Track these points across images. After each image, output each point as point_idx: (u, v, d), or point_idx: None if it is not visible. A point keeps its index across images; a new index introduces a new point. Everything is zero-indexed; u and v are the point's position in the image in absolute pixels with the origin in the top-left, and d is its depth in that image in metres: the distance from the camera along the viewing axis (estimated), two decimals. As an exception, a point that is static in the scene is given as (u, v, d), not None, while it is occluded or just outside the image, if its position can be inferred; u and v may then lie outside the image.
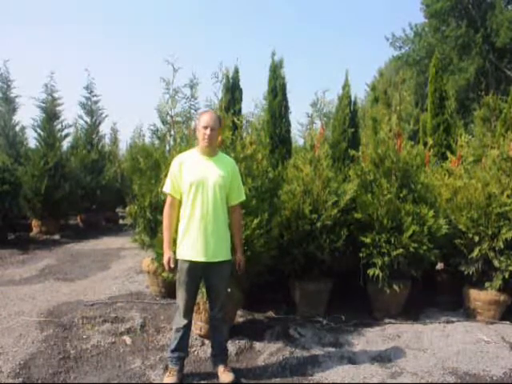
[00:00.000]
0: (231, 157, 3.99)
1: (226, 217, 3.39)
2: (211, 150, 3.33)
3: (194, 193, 3.23)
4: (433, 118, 9.54)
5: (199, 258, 3.23)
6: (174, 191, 3.32)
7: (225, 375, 3.37)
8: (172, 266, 3.28)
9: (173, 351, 3.37)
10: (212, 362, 3.56)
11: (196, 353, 3.86)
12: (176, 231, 3.37)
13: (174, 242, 3.38)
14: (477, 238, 4.78)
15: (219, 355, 3.48)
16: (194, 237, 3.23)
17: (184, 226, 3.28)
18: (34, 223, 10.47)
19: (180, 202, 3.34)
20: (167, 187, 3.35)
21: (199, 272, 3.30)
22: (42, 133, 10.74)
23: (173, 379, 3.30)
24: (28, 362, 3.61)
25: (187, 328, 3.39)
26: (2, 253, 8.14)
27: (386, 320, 4.68)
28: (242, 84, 6.97)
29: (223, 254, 3.32)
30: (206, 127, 3.24)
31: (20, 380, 3.32)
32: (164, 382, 3.31)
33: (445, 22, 26.56)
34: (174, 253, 3.32)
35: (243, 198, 3.54)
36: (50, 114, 10.78)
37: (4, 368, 3.49)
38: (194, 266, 3.25)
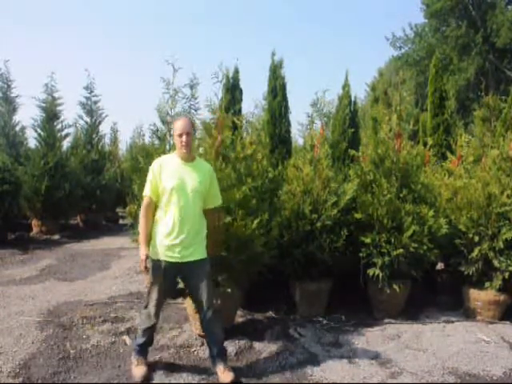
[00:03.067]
0: (230, 157, 4.01)
1: (202, 220, 3.47)
2: (189, 156, 3.41)
3: (173, 197, 3.30)
4: (433, 118, 9.55)
5: (175, 258, 3.31)
6: (153, 193, 3.37)
7: (225, 375, 3.36)
8: (148, 265, 3.31)
9: (141, 345, 3.48)
10: (211, 362, 3.55)
11: (196, 353, 3.86)
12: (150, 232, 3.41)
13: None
14: (477, 238, 4.78)
15: (218, 355, 3.47)
16: (172, 238, 3.29)
17: (162, 227, 3.33)
18: (34, 223, 10.48)
19: (155, 204, 3.39)
20: (147, 190, 3.39)
21: (175, 272, 3.39)
22: (42, 133, 10.75)
23: (144, 369, 3.40)
24: (28, 361, 3.61)
25: (155, 327, 3.53)
26: (2, 253, 8.14)
27: (386, 320, 4.68)
28: (242, 84, 6.98)
29: (199, 253, 3.39)
30: (181, 134, 3.32)
31: (20, 380, 3.32)
32: (137, 373, 3.37)
33: (445, 22, 26.59)
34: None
35: (219, 202, 3.62)
36: (50, 114, 10.79)
37: (4, 368, 3.49)
38: (169, 266, 3.32)
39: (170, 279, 3.43)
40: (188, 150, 3.36)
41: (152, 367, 3.52)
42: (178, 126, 3.35)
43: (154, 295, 3.37)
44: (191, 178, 3.36)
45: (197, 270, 3.40)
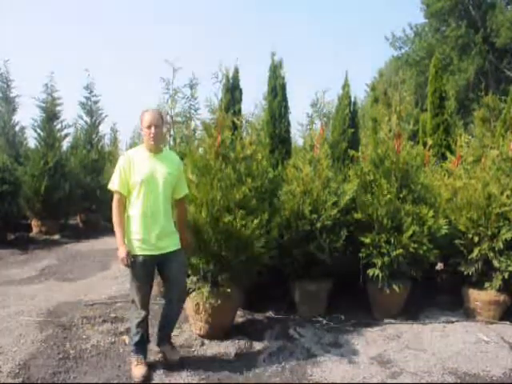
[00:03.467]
0: (230, 157, 4.01)
1: (172, 211, 3.57)
2: (157, 148, 3.46)
3: (144, 189, 3.34)
4: (432, 119, 9.56)
5: (153, 251, 3.37)
6: (123, 188, 3.37)
7: (172, 353, 3.60)
8: (129, 261, 3.33)
9: (137, 343, 3.50)
10: (157, 339, 3.67)
11: (196, 352, 3.86)
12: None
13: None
14: (476, 239, 4.78)
15: (166, 335, 3.66)
16: (147, 232, 3.35)
17: (135, 222, 3.37)
18: (34, 223, 10.47)
19: (125, 199, 3.41)
20: (115, 184, 3.38)
21: (153, 265, 3.44)
22: (41, 133, 10.74)
23: (144, 368, 3.42)
24: (28, 361, 3.61)
25: (147, 319, 3.55)
26: (3, 253, 8.14)
27: (386, 320, 4.68)
28: (242, 84, 6.97)
29: (174, 244, 3.50)
30: (149, 126, 3.36)
31: (20, 380, 3.32)
32: (137, 372, 3.39)
33: (445, 22, 26.59)
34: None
35: (187, 191, 3.71)
36: (50, 114, 10.78)
37: (4, 368, 3.49)
38: (148, 260, 3.37)
39: (150, 271, 3.47)
40: (156, 141, 3.40)
41: (152, 367, 3.53)
42: (147, 118, 3.39)
43: (138, 289, 3.43)
44: (161, 170, 3.41)
45: (172, 261, 3.47)
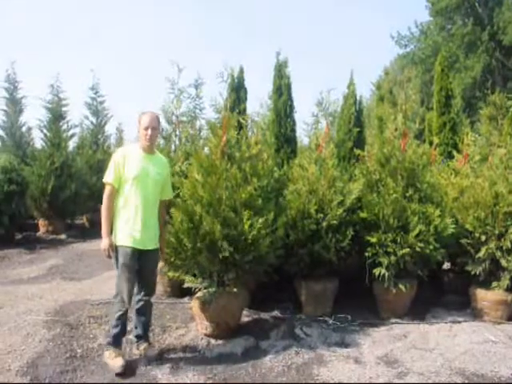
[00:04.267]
0: (236, 156, 4.04)
1: (157, 210, 3.74)
2: (151, 148, 3.66)
3: (136, 185, 3.51)
4: (439, 117, 9.50)
5: (139, 245, 3.52)
6: (116, 181, 3.52)
7: (151, 351, 3.74)
8: (112, 252, 3.49)
9: (116, 336, 3.57)
10: (136, 342, 3.78)
11: (202, 352, 3.87)
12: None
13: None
14: (484, 238, 4.75)
15: (143, 336, 3.79)
16: (135, 226, 3.51)
17: (125, 214, 3.53)
18: (41, 223, 10.54)
19: (116, 192, 3.55)
20: (110, 177, 3.52)
21: (137, 257, 3.55)
22: (48, 133, 10.81)
23: (122, 360, 3.49)
24: (35, 360, 3.64)
25: (127, 313, 3.62)
26: (10, 252, 8.20)
27: (393, 320, 4.66)
28: (247, 84, 6.98)
29: (155, 242, 3.70)
30: (147, 128, 3.55)
31: (28, 378, 3.34)
32: (115, 364, 3.44)
33: (451, 20, 26.44)
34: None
35: (171, 195, 3.93)
36: (56, 115, 10.84)
37: (12, 366, 3.52)
38: (134, 252, 3.51)
39: (135, 264, 3.56)
40: (152, 142, 3.61)
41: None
42: (146, 119, 3.57)
43: (125, 281, 3.51)
44: (152, 169, 3.60)
45: (150, 259, 3.66)
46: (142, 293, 3.73)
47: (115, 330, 3.56)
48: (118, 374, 3.39)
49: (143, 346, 3.74)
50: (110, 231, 3.55)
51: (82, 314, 4.70)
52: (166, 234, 3.94)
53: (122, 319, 3.58)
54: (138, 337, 3.79)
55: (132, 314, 3.83)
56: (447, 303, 5.21)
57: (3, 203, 9.06)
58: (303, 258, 4.66)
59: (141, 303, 3.74)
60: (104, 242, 3.48)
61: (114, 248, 3.50)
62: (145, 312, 3.78)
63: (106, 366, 3.57)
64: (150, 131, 3.55)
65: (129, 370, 3.47)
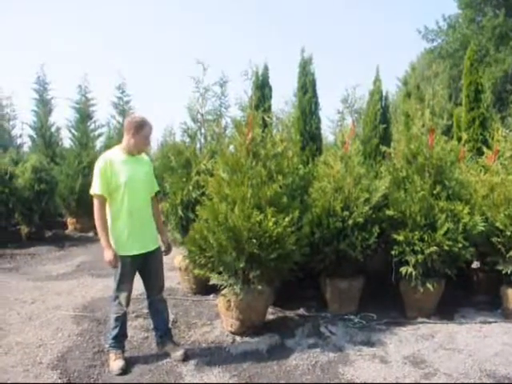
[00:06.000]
0: (261, 154, 4.04)
1: (151, 209, 3.74)
2: (140, 153, 3.69)
3: (127, 190, 3.47)
4: (468, 112, 9.26)
5: (141, 250, 3.54)
6: (104, 191, 3.44)
7: (176, 352, 3.69)
8: (116, 263, 3.44)
9: (115, 337, 3.59)
10: (160, 343, 3.81)
11: (227, 349, 3.88)
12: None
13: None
14: (515, 236, 4.62)
15: (166, 335, 3.80)
16: (133, 232, 3.50)
17: (120, 224, 3.48)
18: (69, 221, 10.78)
19: (105, 201, 3.48)
20: (98, 189, 3.43)
21: (139, 262, 3.58)
22: (76, 133, 11.04)
23: (122, 362, 3.53)
24: (65, 354, 3.74)
25: (126, 315, 3.68)
26: (40, 249, 8.44)
27: (419, 319, 4.58)
28: (271, 81, 6.96)
29: (155, 242, 3.71)
30: (147, 137, 3.62)
31: (58, 371, 3.44)
32: (114, 366, 3.49)
33: (481, 12, 25.71)
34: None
35: (157, 188, 3.91)
36: (84, 115, 11.05)
37: (43, 359, 3.64)
38: (135, 259, 3.53)
39: (135, 269, 3.61)
40: (144, 151, 3.73)
41: (183, 362, 3.61)
42: (148, 130, 3.60)
43: (124, 288, 3.56)
44: (139, 170, 3.60)
45: (154, 259, 3.68)
46: (153, 293, 3.76)
47: (114, 332, 3.59)
48: (117, 375, 3.44)
49: (169, 345, 3.76)
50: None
51: (109, 310, 4.78)
52: (165, 231, 4.01)
53: (121, 320, 3.60)
54: (161, 337, 3.81)
55: (149, 317, 3.91)
56: (477, 303, 5.09)
57: (34, 202, 9.33)
58: (328, 256, 4.63)
59: (155, 303, 3.77)
60: (107, 254, 3.41)
61: (118, 258, 3.44)
62: (162, 310, 3.81)
63: (132, 362, 3.63)
64: (148, 141, 3.67)
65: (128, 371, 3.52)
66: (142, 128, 3.55)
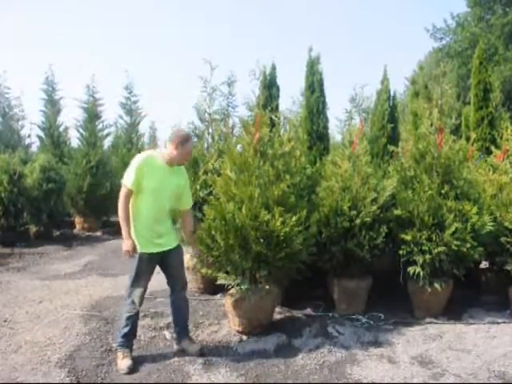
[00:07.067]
0: (268, 153, 4.04)
1: (171, 214, 3.80)
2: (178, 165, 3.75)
3: (154, 195, 3.54)
4: (476, 112, 9.21)
5: (157, 248, 3.60)
6: (134, 186, 3.50)
7: (192, 346, 3.76)
8: (134, 253, 3.51)
9: (124, 336, 3.62)
10: (177, 338, 3.88)
11: (235, 349, 3.89)
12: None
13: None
14: (524, 236, 4.58)
15: (183, 331, 3.86)
16: (153, 233, 3.57)
17: (142, 222, 3.56)
18: (77, 220, 10.84)
19: (132, 195, 3.55)
20: (129, 181, 3.49)
21: (156, 261, 3.65)
22: (84, 133, 11.10)
23: (130, 361, 3.55)
24: (73, 353, 3.76)
25: (138, 314, 3.72)
26: (48, 249, 8.49)
27: (427, 319, 4.55)
28: (279, 81, 6.95)
29: (174, 241, 3.76)
30: (188, 152, 3.71)
31: (66, 370, 3.45)
32: (122, 365, 3.51)
33: (489, 10, 25.47)
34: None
35: (190, 204, 3.97)
36: (92, 115, 11.11)
37: (52, 358, 3.66)
38: (153, 256, 3.59)
39: (153, 267, 3.67)
40: (181, 164, 3.76)
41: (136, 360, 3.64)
42: (190, 147, 3.72)
43: (140, 285, 3.59)
44: (171, 181, 3.65)
45: (174, 256, 3.72)
46: (176, 289, 3.81)
47: (124, 331, 3.61)
48: (125, 375, 3.46)
49: (185, 341, 3.80)
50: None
51: (117, 309, 4.80)
52: (197, 245, 4.07)
53: (132, 320, 3.63)
54: (179, 333, 3.85)
55: (170, 312, 3.92)
56: (485, 303, 5.05)
57: (42, 201, 9.40)
58: (336, 256, 4.62)
59: (177, 300, 3.81)
60: (126, 244, 3.49)
61: (136, 249, 3.51)
62: (182, 308, 3.84)
63: (139, 361, 3.65)
64: (189, 156, 3.81)
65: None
66: (186, 142, 3.64)
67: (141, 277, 3.57)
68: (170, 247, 3.67)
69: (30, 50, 57.24)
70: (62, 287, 5.80)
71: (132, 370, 3.49)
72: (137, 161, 3.52)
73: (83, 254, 8.15)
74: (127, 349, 3.63)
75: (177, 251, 3.77)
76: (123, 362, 3.53)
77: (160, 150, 3.76)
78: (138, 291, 3.59)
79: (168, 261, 3.70)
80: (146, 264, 3.56)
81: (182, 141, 3.61)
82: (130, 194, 3.52)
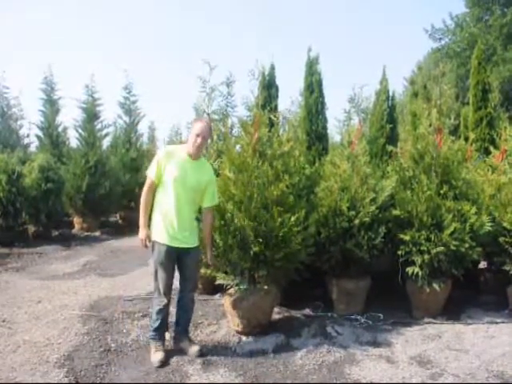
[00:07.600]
0: (267, 153, 4.02)
1: (195, 213, 3.79)
2: (197, 155, 3.67)
3: (174, 188, 3.56)
4: (475, 112, 9.22)
5: (174, 243, 3.59)
6: (156, 177, 3.60)
7: (192, 348, 3.72)
8: (148, 243, 3.62)
9: (156, 329, 3.68)
10: (176, 338, 3.84)
11: (233, 349, 3.88)
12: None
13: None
14: (523, 236, 4.59)
15: (184, 332, 3.84)
16: (171, 225, 3.58)
17: (162, 213, 3.61)
18: (76, 220, 10.83)
19: (156, 187, 3.64)
20: (152, 172, 3.61)
21: (174, 254, 3.64)
22: (82, 132, 11.10)
23: (161, 354, 3.61)
24: (72, 353, 3.75)
25: (168, 307, 3.73)
26: (47, 249, 8.49)
27: (426, 319, 4.56)
28: (278, 81, 6.95)
29: (193, 241, 3.72)
30: (198, 135, 3.58)
31: (65, 370, 3.44)
32: (155, 358, 3.57)
33: (488, 11, 25.50)
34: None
35: (216, 202, 3.89)
36: (91, 115, 11.10)
37: (50, 358, 3.65)
38: (170, 249, 3.59)
39: (173, 260, 3.66)
40: (198, 150, 3.63)
41: (190, 362, 3.61)
42: (198, 126, 3.62)
43: (162, 276, 3.62)
44: (192, 175, 3.62)
45: (190, 257, 3.70)
46: (185, 289, 3.80)
47: (155, 325, 3.66)
48: (156, 368, 3.50)
49: (185, 342, 3.80)
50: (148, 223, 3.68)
51: (116, 309, 4.81)
52: (211, 240, 3.93)
53: (162, 313, 3.67)
54: (179, 333, 3.84)
55: (174, 310, 3.91)
56: (484, 303, 5.06)
57: (41, 201, 9.39)
58: (335, 256, 4.62)
59: (184, 300, 3.80)
60: (141, 233, 3.62)
61: (150, 239, 3.60)
62: (187, 308, 3.84)
63: (139, 361, 3.64)
64: (199, 139, 3.58)
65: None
66: (194, 122, 3.75)
67: (162, 267, 3.60)
68: (187, 246, 3.65)
69: (29, 49, 57.17)
70: (60, 287, 5.79)
71: (164, 363, 3.55)
72: (159, 153, 3.67)
73: (82, 254, 8.14)
74: (159, 341, 3.69)
75: (195, 252, 3.75)
76: (155, 356, 3.59)
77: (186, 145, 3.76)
78: (161, 284, 3.62)
79: (184, 260, 3.70)
80: (165, 255, 3.58)
81: (193, 123, 3.76)
82: (152, 185, 3.62)
